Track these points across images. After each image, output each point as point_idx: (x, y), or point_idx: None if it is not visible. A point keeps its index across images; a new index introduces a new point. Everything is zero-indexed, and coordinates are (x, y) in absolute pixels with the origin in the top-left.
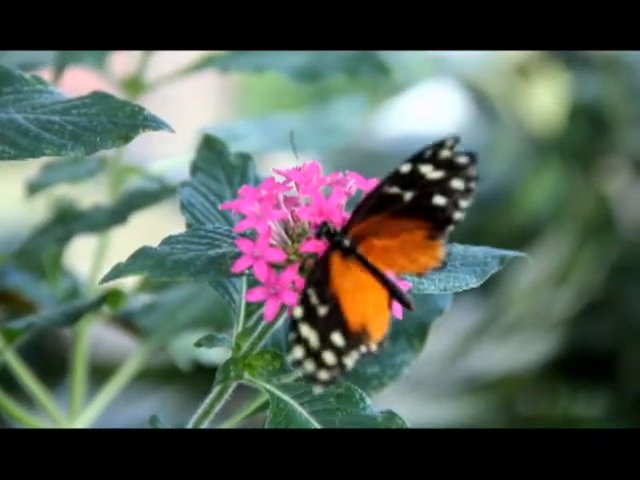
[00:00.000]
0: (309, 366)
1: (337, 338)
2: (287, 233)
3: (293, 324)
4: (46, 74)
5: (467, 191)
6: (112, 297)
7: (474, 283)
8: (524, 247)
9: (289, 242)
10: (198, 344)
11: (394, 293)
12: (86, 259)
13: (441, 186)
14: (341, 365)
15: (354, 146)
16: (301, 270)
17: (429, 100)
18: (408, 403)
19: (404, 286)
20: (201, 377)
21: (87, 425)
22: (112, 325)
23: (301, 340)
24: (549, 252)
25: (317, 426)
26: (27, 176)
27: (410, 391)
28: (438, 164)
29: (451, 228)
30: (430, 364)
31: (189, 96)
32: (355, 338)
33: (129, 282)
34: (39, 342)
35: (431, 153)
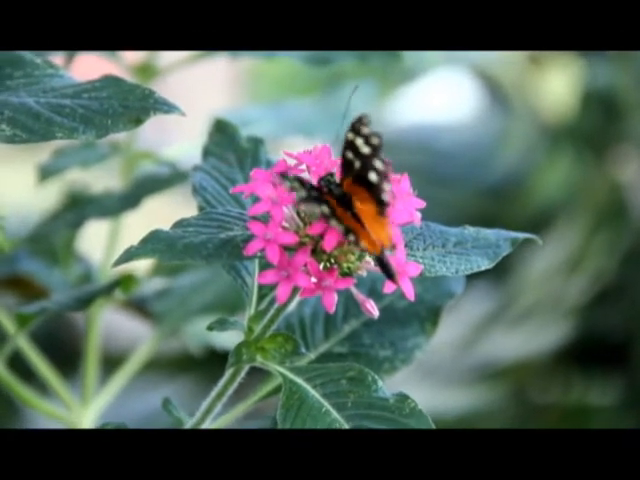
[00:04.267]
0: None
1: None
2: (299, 216)
3: None
4: (57, 59)
5: (385, 175)
6: (125, 282)
7: (486, 265)
8: (537, 235)
9: (301, 225)
10: (210, 327)
11: (380, 262)
12: (98, 244)
13: (371, 162)
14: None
15: None
16: (313, 252)
17: (442, 88)
18: (421, 390)
19: (415, 268)
20: (214, 365)
21: (100, 412)
22: (125, 310)
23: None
24: (562, 239)
25: (329, 408)
26: (39, 161)
27: (423, 378)
28: (365, 139)
29: (387, 209)
30: (444, 352)
31: (200, 82)
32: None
33: (142, 267)
34: (52, 329)
35: (356, 128)
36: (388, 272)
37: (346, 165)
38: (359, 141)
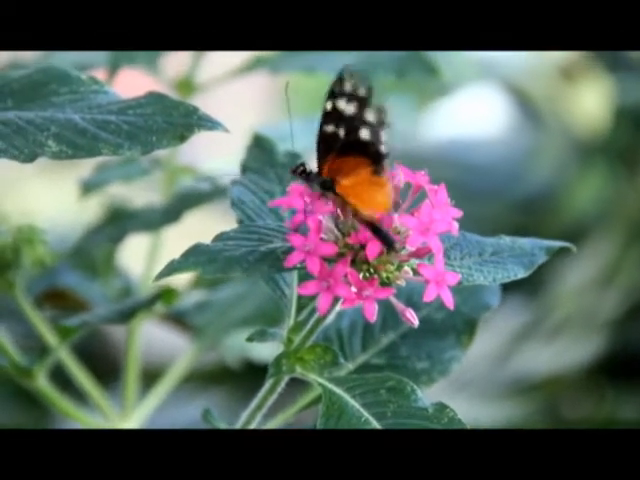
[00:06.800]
0: None
1: None
2: (337, 227)
3: None
4: (100, 74)
5: (380, 123)
6: (166, 295)
7: (522, 274)
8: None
9: (340, 236)
10: (250, 339)
11: (377, 232)
12: (139, 258)
13: (360, 120)
14: None
15: (399, 148)
16: (352, 262)
17: (474, 103)
18: (456, 404)
19: (453, 277)
20: (248, 377)
21: (140, 424)
22: (165, 324)
23: None
24: (595, 254)
25: (369, 417)
26: (80, 176)
27: (457, 392)
28: (349, 98)
29: (386, 162)
30: (477, 365)
31: (236, 97)
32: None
33: (181, 280)
34: (92, 342)
35: (338, 87)
36: (386, 241)
37: (327, 144)
38: (341, 104)
